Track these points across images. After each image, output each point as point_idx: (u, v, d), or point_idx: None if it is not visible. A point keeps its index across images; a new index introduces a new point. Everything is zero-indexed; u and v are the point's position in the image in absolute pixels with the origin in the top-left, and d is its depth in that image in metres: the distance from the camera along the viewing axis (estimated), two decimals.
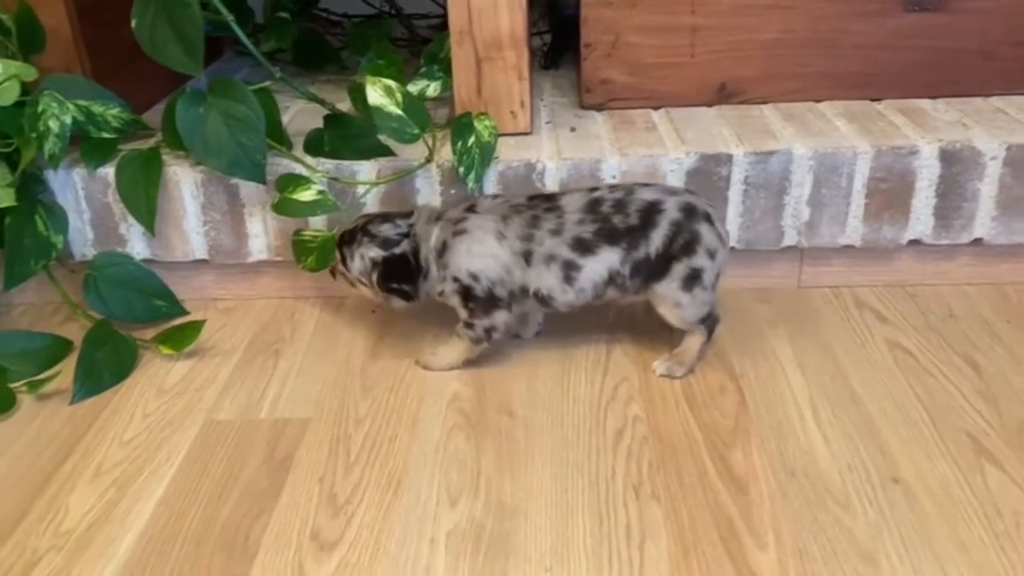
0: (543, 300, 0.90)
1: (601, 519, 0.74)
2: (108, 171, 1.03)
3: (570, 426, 0.85)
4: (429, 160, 1.00)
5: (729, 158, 1.00)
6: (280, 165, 1.02)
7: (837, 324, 1.01)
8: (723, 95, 1.15)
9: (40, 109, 0.97)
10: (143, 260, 1.07)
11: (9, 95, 0.95)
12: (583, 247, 0.87)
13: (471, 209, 0.92)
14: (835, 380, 0.91)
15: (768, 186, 1.01)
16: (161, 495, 0.79)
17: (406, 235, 0.92)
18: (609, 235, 0.87)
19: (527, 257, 0.88)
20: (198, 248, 1.07)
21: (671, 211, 0.87)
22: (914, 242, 1.04)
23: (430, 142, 0.98)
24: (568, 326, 1.01)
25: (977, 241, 1.03)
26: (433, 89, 1.10)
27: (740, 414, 0.86)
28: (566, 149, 1.03)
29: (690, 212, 0.87)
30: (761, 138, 1.03)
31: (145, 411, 0.91)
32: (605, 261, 0.88)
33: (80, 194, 1.04)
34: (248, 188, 1.03)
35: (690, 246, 0.87)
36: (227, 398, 0.93)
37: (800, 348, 0.96)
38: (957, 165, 1.00)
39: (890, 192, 1.01)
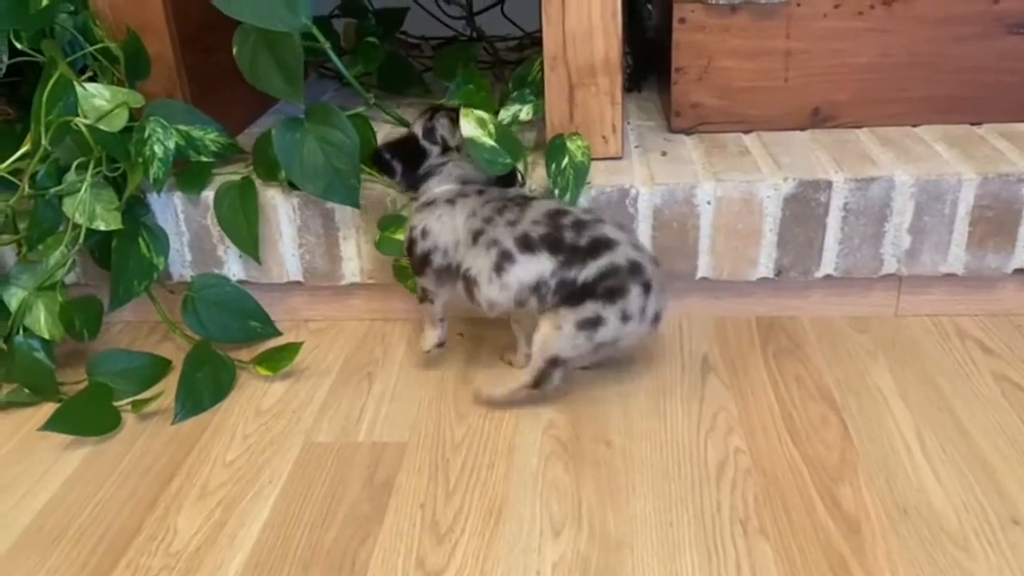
0: (468, 284, 0.89)
1: (710, 555, 0.73)
2: (207, 194, 1.05)
3: (670, 457, 0.84)
4: (522, 185, 1.01)
5: (828, 184, 0.98)
6: (375, 190, 1.03)
7: (939, 355, 0.98)
8: (816, 119, 1.13)
9: (147, 135, 0.99)
10: (238, 281, 1.09)
11: (119, 121, 0.97)
12: (525, 244, 0.87)
13: (484, 192, 0.94)
14: (941, 413, 0.88)
15: (868, 213, 0.99)
16: (266, 518, 0.80)
17: (445, 149, 0.96)
18: (553, 244, 0.86)
19: (476, 236, 0.89)
20: (293, 270, 1.08)
21: (619, 255, 0.85)
22: (1020, 271, 1.01)
23: (522, 167, 0.99)
24: (658, 353, 1.01)
25: None
26: (525, 113, 1.10)
27: (845, 447, 0.84)
28: (659, 174, 1.02)
29: (634, 269, 0.86)
30: (860, 164, 1.01)
31: (245, 432, 0.92)
32: (538, 266, 0.86)
33: (180, 217, 1.06)
34: (343, 212, 1.04)
35: (612, 295, 0.85)
36: (324, 420, 0.93)
37: (902, 379, 0.94)
38: None
39: (995, 220, 0.98)
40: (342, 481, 0.84)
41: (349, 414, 0.94)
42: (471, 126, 0.96)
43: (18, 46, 0.99)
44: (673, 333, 1.05)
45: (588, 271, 0.85)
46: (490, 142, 0.96)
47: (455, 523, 0.78)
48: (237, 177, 1.06)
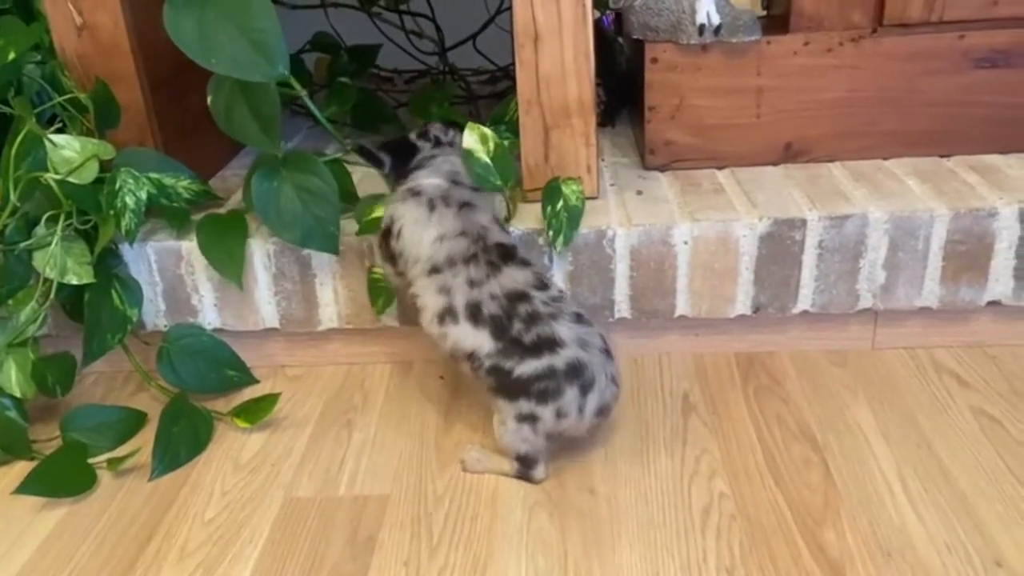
0: (415, 306, 0.88)
1: None
2: (180, 244, 1.04)
3: (655, 504, 0.84)
4: (508, 219, 1.01)
5: (803, 223, 0.99)
6: (353, 237, 1.02)
7: (917, 389, 0.99)
8: (789, 154, 1.14)
9: (117, 186, 0.98)
10: (214, 329, 1.08)
11: (89, 174, 0.96)
12: (473, 314, 0.84)
13: (470, 207, 0.90)
14: (921, 450, 0.89)
15: (843, 250, 1.00)
16: None
17: (437, 144, 0.96)
18: (498, 329, 0.83)
19: (432, 271, 0.86)
20: (269, 317, 1.07)
21: (560, 358, 0.82)
22: (993, 303, 1.02)
23: (509, 203, 0.99)
24: (639, 392, 1.01)
25: None
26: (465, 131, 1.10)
27: (828, 489, 0.85)
28: (635, 214, 1.03)
29: (572, 372, 0.82)
30: (834, 201, 1.02)
31: (224, 488, 0.91)
32: (477, 341, 0.84)
33: (153, 267, 1.05)
34: (320, 258, 1.03)
35: (545, 396, 0.83)
36: (304, 473, 0.92)
37: (881, 416, 0.95)
38: None
39: (968, 254, 1.00)
40: (324, 539, 0.83)
41: (329, 466, 0.93)
42: (473, 139, 0.97)
43: None
44: (653, 371, 1.05)
45: (524, 368, 0.82)
46: (485, 159, 0.97)
47: None
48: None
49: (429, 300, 0.87)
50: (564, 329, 0.83)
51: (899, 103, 1.10)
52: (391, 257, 0.92)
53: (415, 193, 0.91)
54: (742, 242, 1.00)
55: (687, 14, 1.06)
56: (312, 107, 1.00)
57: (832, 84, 1.10)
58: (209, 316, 1.08)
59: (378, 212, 0.98)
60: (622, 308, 1.04)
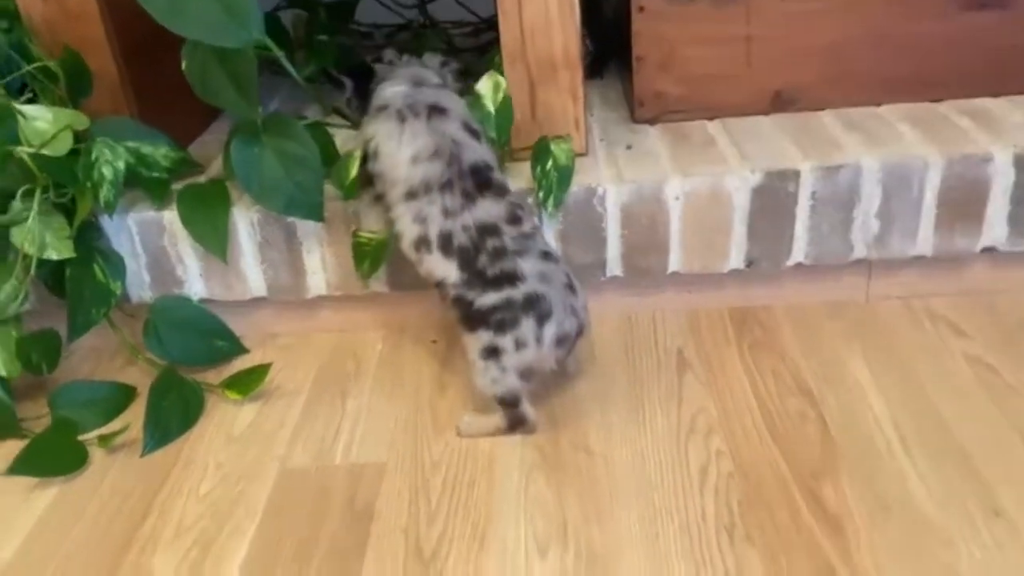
0: (394, 231, 0.89)
1: (698, 567, 0.72)
2: (162, 215, 1.02)
3: (652, 463, 0.84)
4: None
5: (796, 174, 0.97)
6: (337, 204, 1.00)
7: (912, 339, 0.98)
8: (779, 103, 1.12)
9: (94, 157, 0.95)
10: (201, 300, 1.06)
11: (63, 145, 0.93)
12: (444, 244, 0.85)
13: (440, 112, 0.89)
14: (918, 402, 0.89)
15: (836, 201, 0.98)
16: (245, 555, 0.78)
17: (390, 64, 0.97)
18: (465, 261, 0.85)
19: (409, 195, 0.86)
20: (256, 286, 1.06)
21: (518, 291, 0.83)
22: (988, 249, 1.01)
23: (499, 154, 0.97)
24: (633, 350, 1.00)
25: None
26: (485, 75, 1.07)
27: (824, 443, 0.84)
28: (626, 170, 1.01)
29: (530, 302, 0.83)
30: (826, 150, 1.00)
31: (217, 461, 0.90)
32: (446, 270, 0.85)
33: (136, 239, 1.03)
34: (305, 225, 1.01)
35: (503, 326, 0.83)
36: (299, 443, 0.92)
37: (877, 368, 0.94)
38: None
39: (962, 201, 0.98)
40: (321, 510, 0.82)
41: (324, 435, 0.92)
42: (487, 85, 0.98)
43: None
44: (647, 329, 1.05)
45: (484, 300, 0.84)
46: (490, 108, 0.97)
47: (439, 548, 0.77)
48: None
49: (406, 227, 0.88)
50: (527, 265, 0.85)
51: (889, 48, 1.08)
52: (369, 178, 0.91)
53: (382, 107, 0.91)
54: (735, 196, 0.98)
55: None
56: (290, 68, 0.97)
57: (821, 30, 1.07)
58: (195, 287, 1.06)
59: (356, 171, 0.96)
60: (614, 267, 1.03)
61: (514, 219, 0.86)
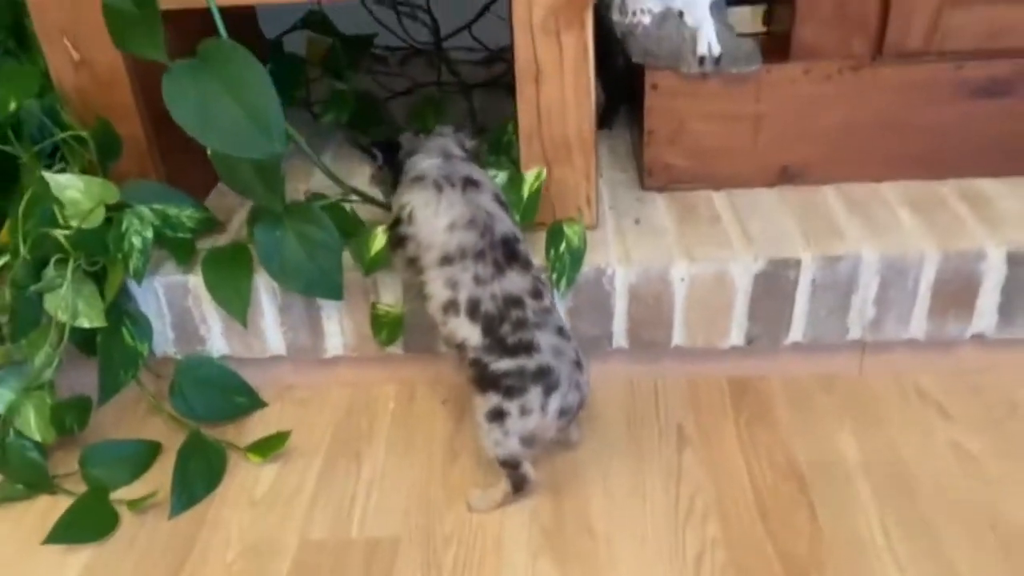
0: (423, 294, 0.93)
1: None
2: (187, 278, 1.06)
3: (651, 549, 0.89)
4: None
5: (797, 263, 1.01)
6: (357, 276, 1.04)
7: (901, 421, 1.03)
8: (785, 177, 1.15)
9: (124, 228, 0.99)
10: (221, 356, 1.11)
11: (96, 220, 0.97)
12: (471, 310, 0.90)
13: (474, 184, 0.94)
14: (902, 494, 0.94)
15: (835, 288, 1.03)
16: None
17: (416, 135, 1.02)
18: (488, 327, 0.89)
19: (443, 261, 0.91)
20: (276, 346, 1.10)
21: (533, 360, 0.88)
22: (977, 335, 1.06)
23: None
24: (636, 422, 1.05)
25: None
26: (501, 180, 1.11)
27: (813, 534, 0.90)
28: (634, 250, 1.05)
29: (541, 373, 0.88)
30: (827, 238, 1.04)
31: (241, 527, 0.96)
32: (469, 333, 0.90)
33: (162, 300, 1.07)
34: None
35: (512, 392, 0.89)
36: (316, 511, 0.97)
37: (867, 451, 0.99)
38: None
39: (955, 292, 1.03)
40: None
41: (340, 504, 0.98)
42: (531, 173, 1.04)
43: None
44: (649, 398, 1.09)
45: (499, 364, 0.89)
46: (523, 193, 1.04)
47: None
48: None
49: (437, 291, 0.92)
50: (543, 338, 0.90)
51: (895, 129, 1.11)
52: (402, 241, 0.95)
53: (419, 178, 0.96)
54: (737, 281, 1.03)
55: (688, 43, 1.06)
56: (310, 152, 1.00)
57: (830, 111, 1.11)
58: (217, 344, 1.10)
59: (377, 244, 1.01)
60: (620, 339, 1.07)
61: (536, 293, 0.91)
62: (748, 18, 1.17)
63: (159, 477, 1.02)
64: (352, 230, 1.06)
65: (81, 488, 1.00)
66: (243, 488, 1.01)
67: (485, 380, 0.90)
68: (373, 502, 0.98)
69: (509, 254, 0.91)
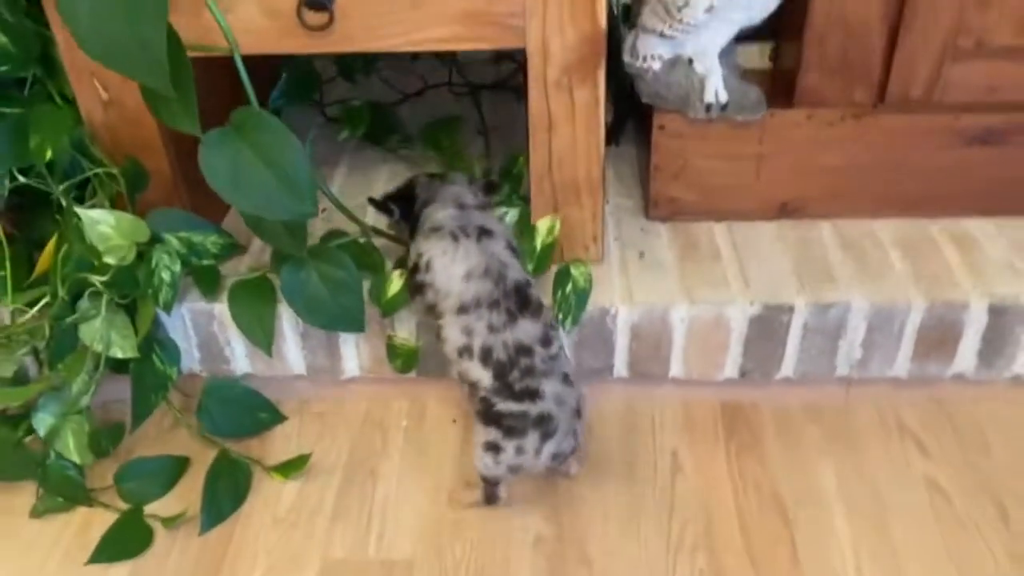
0: (440, 337, 1.00)
1: None
2: (213, 306, 1.12)
3: None
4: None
5: (791, 308, 1.07)
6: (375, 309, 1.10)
7: (880, 455, 1.10)
8: (784, 212, 1.20)
9: (154, 264, 1.05)
10: (245, 374, 1.17)
11: (130, 257, 1.02)
12: (484, 356, 0.96)
13: (488, 233, 1.01)
14: (877, 528, 1.02)
15: (825, 331, 1.09)
16: None
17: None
18: (499, 372, 0.96)
19: (461, 310, 0.98)
20: (296, 366, 1.17)
21: (535, 408, 0.95)
22: (957, 375, 1.12)
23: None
24: (633, 446, 1.12)
25: (1017, 377, 1.12)
26: (511, 216, 1.16)
27: (792, 570, 0.98)
28: (636, 288, 1.10)
29: (541, 420, 0.95)
30: (821, 282, 1.10)
31: (267, 546, 1.04)
32: (480, 376, 0.97)
33: (188, 325, 1.13)
34: None
35: (511, 432, 0.96)
36: (336, 530, 1.05)
37: (846, 486, 1.07)
38: (1005, 316, 1.07)
39: (939, 338, 1.09)
40: None
41: (358, 523, 1.05)
42: (544, 224, 1.09)
43: (21, 179, 1.03)
44: (646, 422, 1.16)
45: (504, 406, 0.96)
46: (536, 244, 1.08)
47: None
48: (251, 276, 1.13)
49: (453, 336, 0.99)
50: (548, 387, 0.97)
51: (892, 171, 1.16)
52: (421, 289, 1.02)
53: (436, 228, 1.02)
54: (734, 323, 1.09)
55: (696, 90, 1.10)
56: (328, 192, 1.05)
57: (830, 153, 1.15)
58: (241, 364, 1.17)
59: (393, 288, 1.06)
60: (620, 370, 1.14)
61: (546, 340, 0.98)
62: (755, 55, 1.20)
63: (188, 489, 1.10)
64: (371, 264, 1.12)
65: (116, 500, 1.08)
66: (267, 505, 1.09)
67: (489, 416, 0.97)
68: (389, 523, 1.05)
69: (521, 302, 0.98)
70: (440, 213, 1.02)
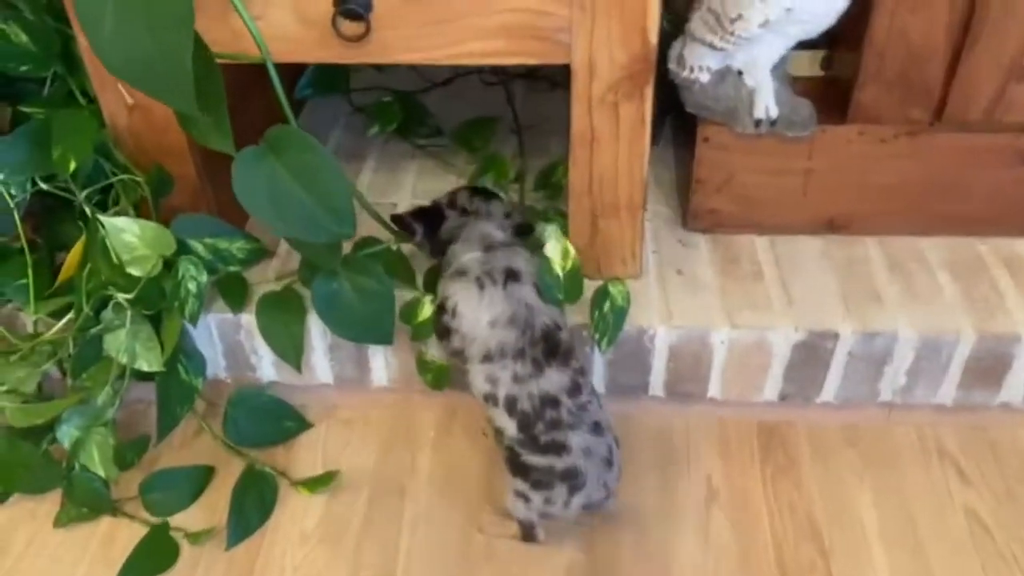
0: (467, 382, 0.97)
1: None
2: (240, 317, 1.09)
3: None
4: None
5: (836, 336, 1.04)
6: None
7: (920, 481, 1.08)
8: (830, 227, 1.16)
9: (180, 276, 1.02)
10: (270, 382, 1.15)
11: (156, 269, 0.99)
12: (510, 406, 0.93)
13: (514, 276, 0.96)
14: (915, 561, 1.00)
15: (870, 359, 1.06)
16: None
17: (463, 213, 1.03)
18: (524, 423, 0.93)
19: (486, 358, 0.95)
20: (323, 376, 1.14)
21: (561, 462, 0.92)
22: (1004, 404, 1.09)
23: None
24: (668, 469, 1.10)
25: None
26: (549, 232, 1.11)
27: None
28: (675, 307, 1.07)
29: (567, 475, 0.92)
30: (867, 307, 1.06)
31: (294, 563, 1.02)
32: (505, 424, 0.94)
33: (214, 333, 1.11)
34: None
35: (538, 485, 0.93)
36: (364, 549, 1.03)
37: (884, 512, 1.04)
38: None
39: (987, 368, 1.06)
40: None
41: (386, 543, 1.04)
42: (555, 250, 1.01)
43: (43, 186, 1.00)
44: (681, 442, 1.14)
45: (529, 458, 0.94)
46: (558, 273, 1.01)
47: None
48: (278, 287, 1.10)
49: (478, 383, 0.97)
50: (576, 439, 0.93)
51: (945, 189, 1.11)
52: (446, 332, 0.99)
53: (461, 273, 0.98)
54: (776, 348, 1.05)
55: (745, 104, 1.05)
56: (369, 207, 1.02)
57: (882, 171, 1.10)
58: (267, 372, 1.14)
59: (425, 313, 1.03)
60: (656, 389, 1.11)
61: (574, 389, 0.94)
62: (806, 62, 1.14)
63: (213, 500, 1.08)
64: (401, 273, 1.09)
65: (140, 511, 1.07)
66: (294, 520, 1.07)
67: (516, 466, 0.95)
68: (417, 545, 1.04)
69: (549, 350, 0.94)
70: (466, 256, 0.99)
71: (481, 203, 1.05)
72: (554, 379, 0.93)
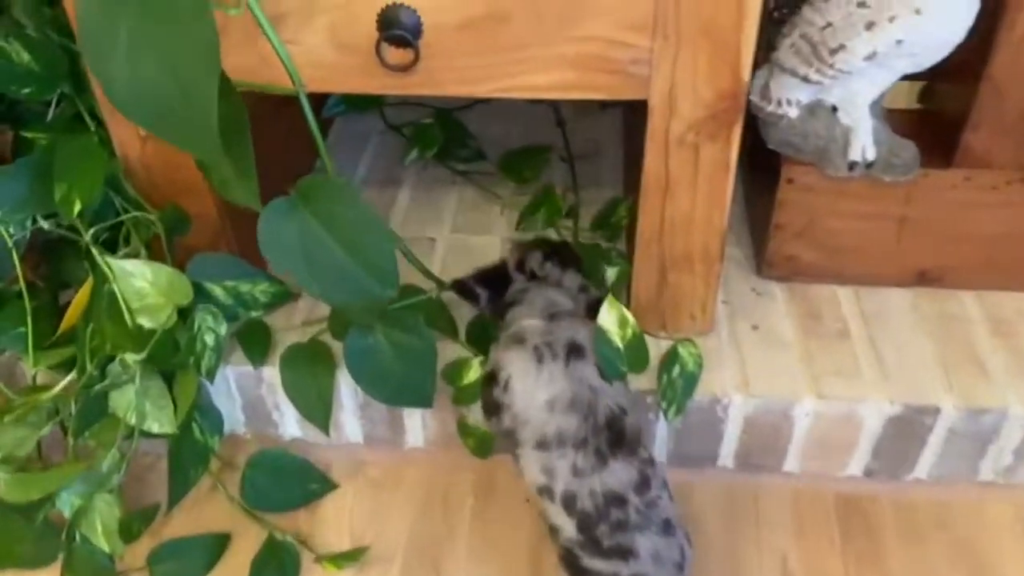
0: (519, 467, 0.85)
1: None
2: (261, 370, 0.98)
3: None
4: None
5: (937, 411, 0.92)
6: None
7: (1018, 572, 0.96)
8: (921, 280, 1.03)
9: (196, 328, 0.91)
10: (294, 439, 1.04)
11: (170, 321, 0.88)
12: (567, 503, 0.81)
13: (578, 352, 0.84)
14: None
15: (974, 437, 0.93)
16: None
17: (532, 277, 0.91)
18: (584, 525, 0.80)
19: (541, 444, 0.82)
20: (353, 435, 1.03)
21: (629, 567, 0.80)
22: None
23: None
24: (737, 549, 0.98)
25: None
26: (611, 274, 1.00)
27: None
28: (752, 372, 0.95)
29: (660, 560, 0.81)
30: (971, 377, 0.94)
31: None
32: (563, 523, 0.82)
33: (232, 387, 0.99)
34: None
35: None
36: None
37: None
38: None
39: None
40: None
41: None
42: (610, 319, 0.88)
43: (44, 226, 0.88)
44: (750, 515, 1.02)
45: (592, 563, 0.81)
46: (618, 344, 0.88)
47: None
48: (304, 336, 0.98)
49: (531, 471, 0.84)
50: (644, 542, 0.81)
51: None
52: (496, 407, 0.86)
53: (519, 340, 0.85)
54: (867, 422, 0.93)
55: (838, 143, 0.93)
56: (417, 263, 0.90)
57: (986, 220, 0.98)
58: (290, 429, 1.03)
59: (472, 376, 0.91)
60: (726, 461, 0.99)
61: (643, 483, 0.82)
62: (903, 94, 1.01)
63: (229, 570, 0.97)
64: (442, 323, 0.97)
65: None
66: None
67: (575, 570, 0.83)
68: None
69: (614, 438, 0.81)
70: (525, 321, 0.86)
71: (554, 269, 0.91)
72: (620, 473, 0.81)
